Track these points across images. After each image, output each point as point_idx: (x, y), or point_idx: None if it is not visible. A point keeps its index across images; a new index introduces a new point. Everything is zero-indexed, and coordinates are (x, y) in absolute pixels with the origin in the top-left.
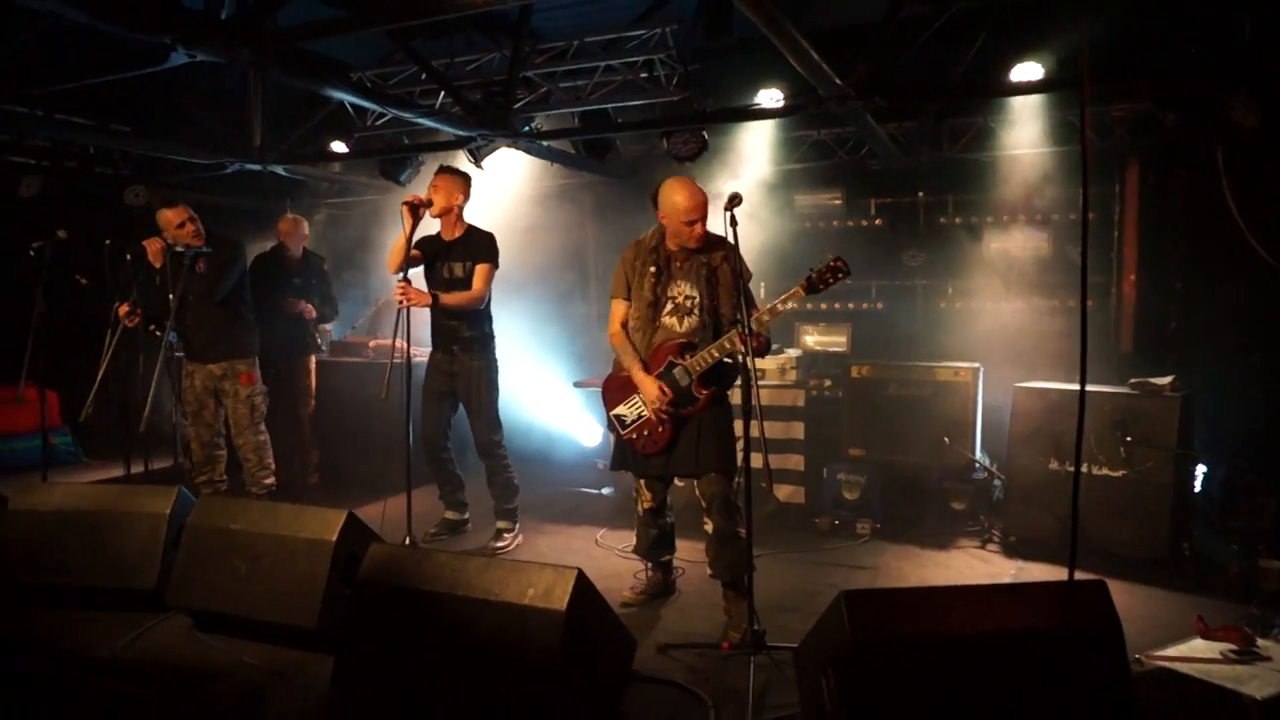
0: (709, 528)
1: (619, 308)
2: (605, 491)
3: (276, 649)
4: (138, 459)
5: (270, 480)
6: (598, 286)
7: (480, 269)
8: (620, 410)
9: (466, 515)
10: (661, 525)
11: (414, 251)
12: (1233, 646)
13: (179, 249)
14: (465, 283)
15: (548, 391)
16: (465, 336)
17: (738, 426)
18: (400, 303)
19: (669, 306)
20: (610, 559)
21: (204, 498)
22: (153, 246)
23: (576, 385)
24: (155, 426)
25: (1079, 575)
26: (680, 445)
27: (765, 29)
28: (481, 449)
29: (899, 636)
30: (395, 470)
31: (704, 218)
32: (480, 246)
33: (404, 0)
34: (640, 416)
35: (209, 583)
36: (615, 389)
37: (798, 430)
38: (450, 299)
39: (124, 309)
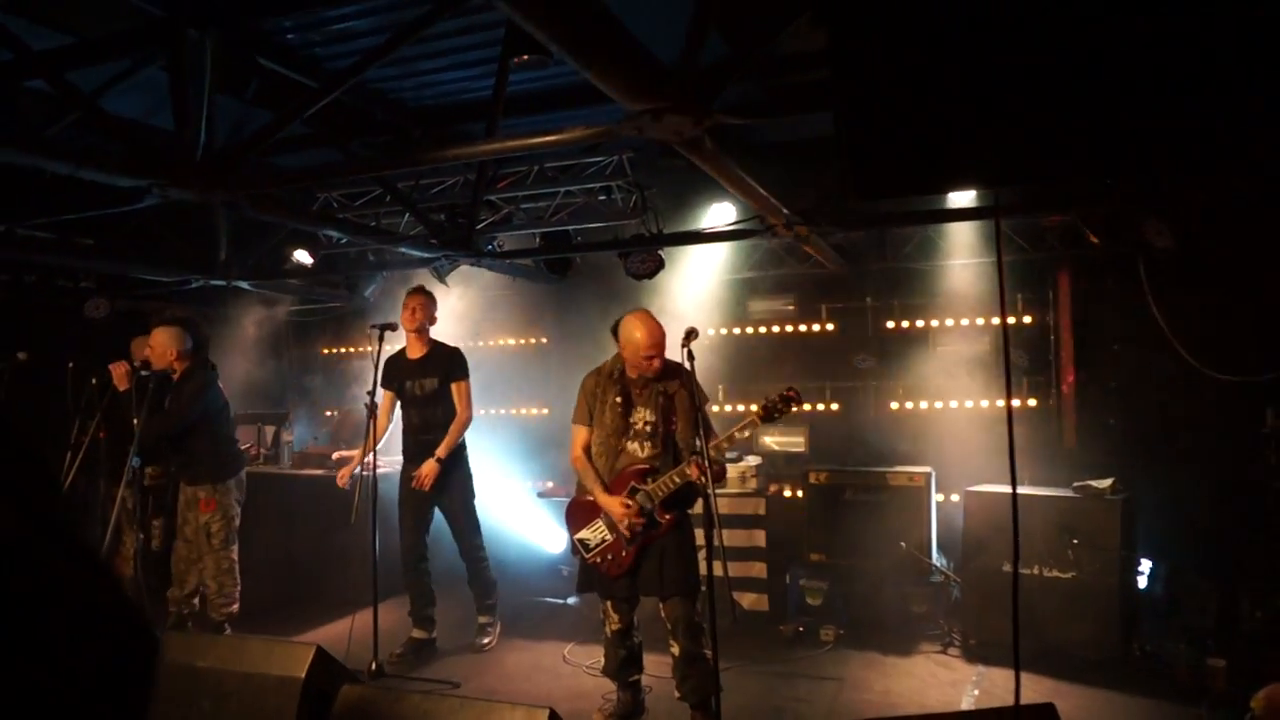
0: (675, 650)
1: (581, 433)
2: (570, 601)
3: None
4: None
5: (232, 608)
6: (557, 392)
7: (459, 387)
8: (584, 534)
9: (434, 634)
10: (629, 646)
11: (385, 397)
12: None
13: (145, 373)
14: (434, 398)
15: (510, 499)
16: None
17: (699, 537)
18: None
19: (631, 432)
20: (578, 677)
21: (168, 634)
22: (118, 370)
23: (540, 495)
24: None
25: (1035, 680)
26: (644, 567)
27: (712, 173)
28: (465, 553)
29: None
30: (353, 587)
31: (661, 352)
32: (451, 363)
33: (384, 150)
34: (604, 540)
35: None
36: (579, 513)
37: (759, 538)
38: (452, 437)
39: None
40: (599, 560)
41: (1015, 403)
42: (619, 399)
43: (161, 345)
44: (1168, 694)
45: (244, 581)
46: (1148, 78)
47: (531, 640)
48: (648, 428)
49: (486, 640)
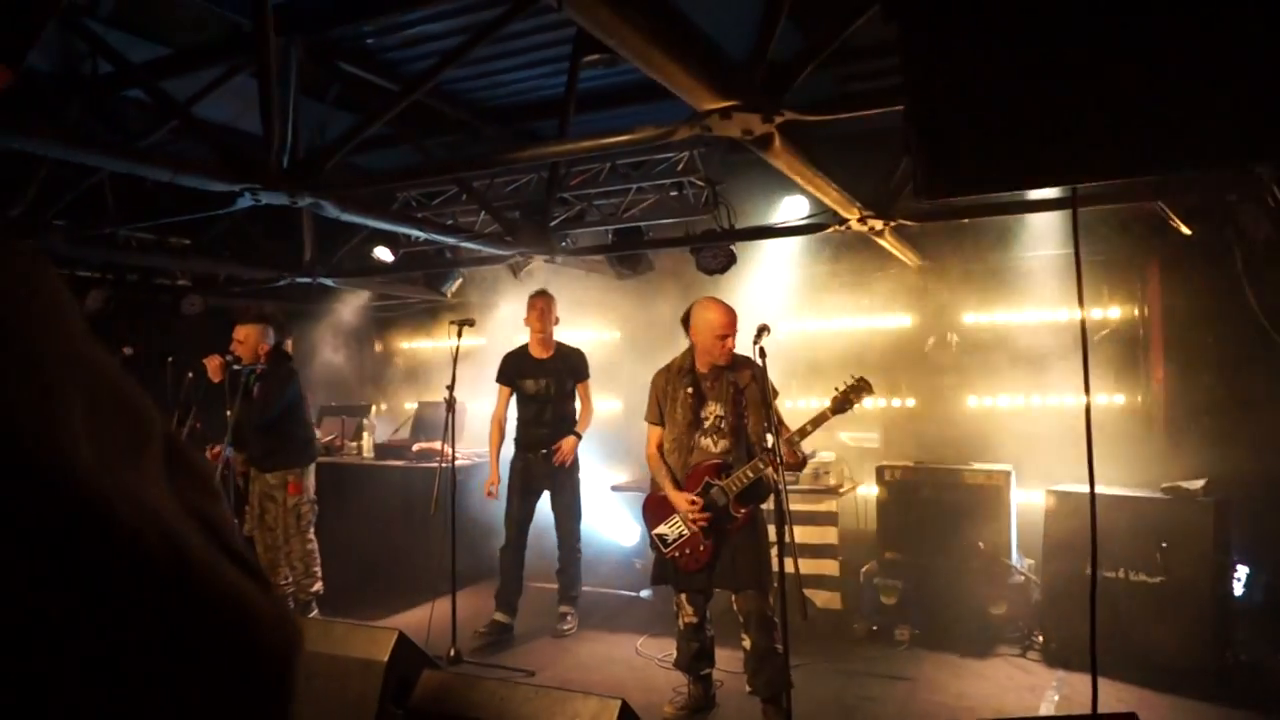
0: (746, 644)
1: (653, 432)
2: (644, 594)
3: None
4: None
5: (317, 587)
6: (631, 387)
7: (584, 386)
8: (661, 530)
9: (514, 620)
10: (702, 640)
11: (502, 393)
12: None
13: (236, 367)
14: (559, 398)
15: (585, 493)
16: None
17: (772, 533)
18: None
19: (703, 427)
20: (650, 669)
21: None
22: (211, 364)
23: (614, 489)
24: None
25: (1118, 688)
26: (720, 561)
27: (784, 169)
28: (564, 544)
29: None
30: (431, 575)
31: (735, 332)
32: (576, 365)
33: (464, 154)
34: (681, 535)
35: None
36: (655, 509)
37: (832, 535)
38: (586, 421)
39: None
40: (677, 554)
41: (1103, 399)
42: (690, 392)
43: (251, 340)
44: (1264, 705)
45: (327, 568)
46: (1229, 62)
47: (605, 632)
48: (720, 422)
49: (567, 628)
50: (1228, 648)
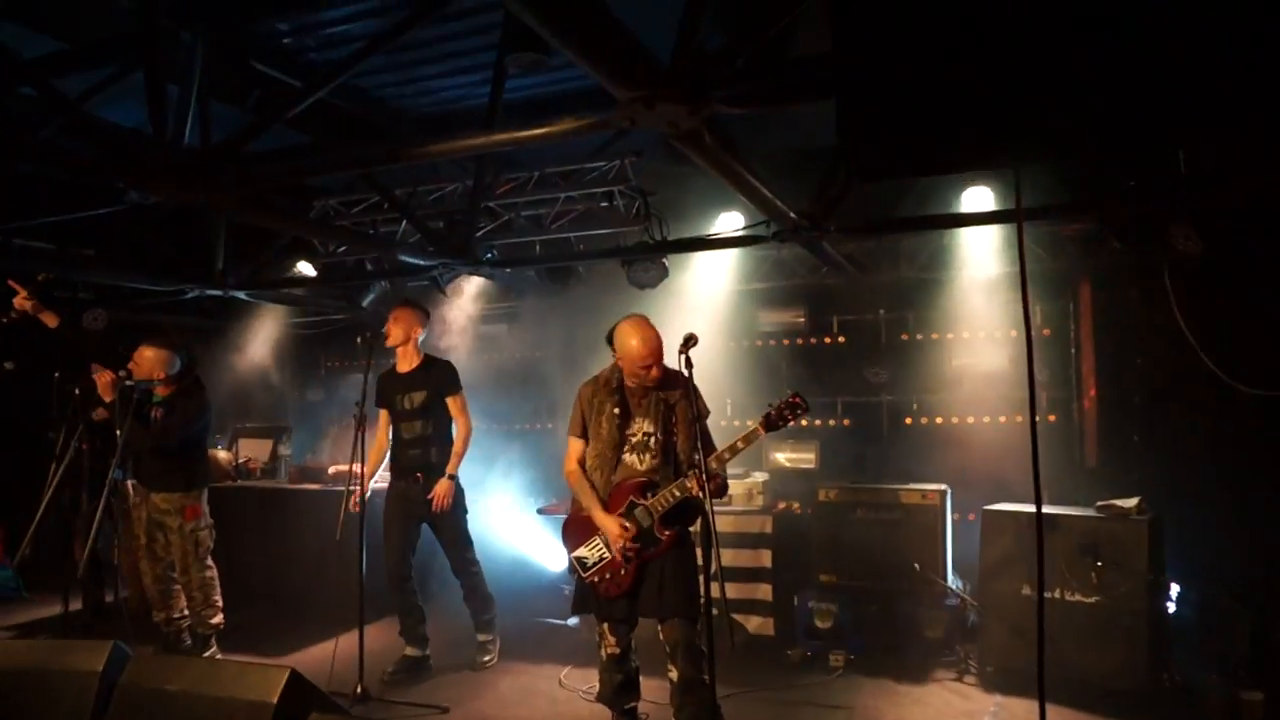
0: (673, 675)
1: (575, 445)
2: (570, 622)
3: None
4: (77, 597)
5: (217, 619)
6: (561, 406)
7: (454, 401)
8: (581, 552)
9: (428, 651)
10: (626, 670)
11: (382, 416)
12: None
13: (129, 383)
14: (423, 412)
15: (510, 516)
16: (432, 463)
17: (700, 555)
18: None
19: (629, 444)
20: (574, 703)
21: (138, 654)
22: (102, 380)
23: (540, 512)
24: (101, 562)
25: (1058, 711)
26: (644, 587)
27: (717, 174)
28: (457, 569)
29: None
30: (349, 604)
31: (659, 360)
32: (443, 378)
33: (362, 147)
34: (602, 559)
35: None
36: (575, 530)
37: (765, 558)
38: (458, 451)
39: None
40: (597, 579)
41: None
42: (616, 410)
43: (149, 363)
44: None
45: (233, 600)
46: (1173, 38)
47: (528, 663)
48: (647, 439)
49: (487, 659)
50: (1164, 669)
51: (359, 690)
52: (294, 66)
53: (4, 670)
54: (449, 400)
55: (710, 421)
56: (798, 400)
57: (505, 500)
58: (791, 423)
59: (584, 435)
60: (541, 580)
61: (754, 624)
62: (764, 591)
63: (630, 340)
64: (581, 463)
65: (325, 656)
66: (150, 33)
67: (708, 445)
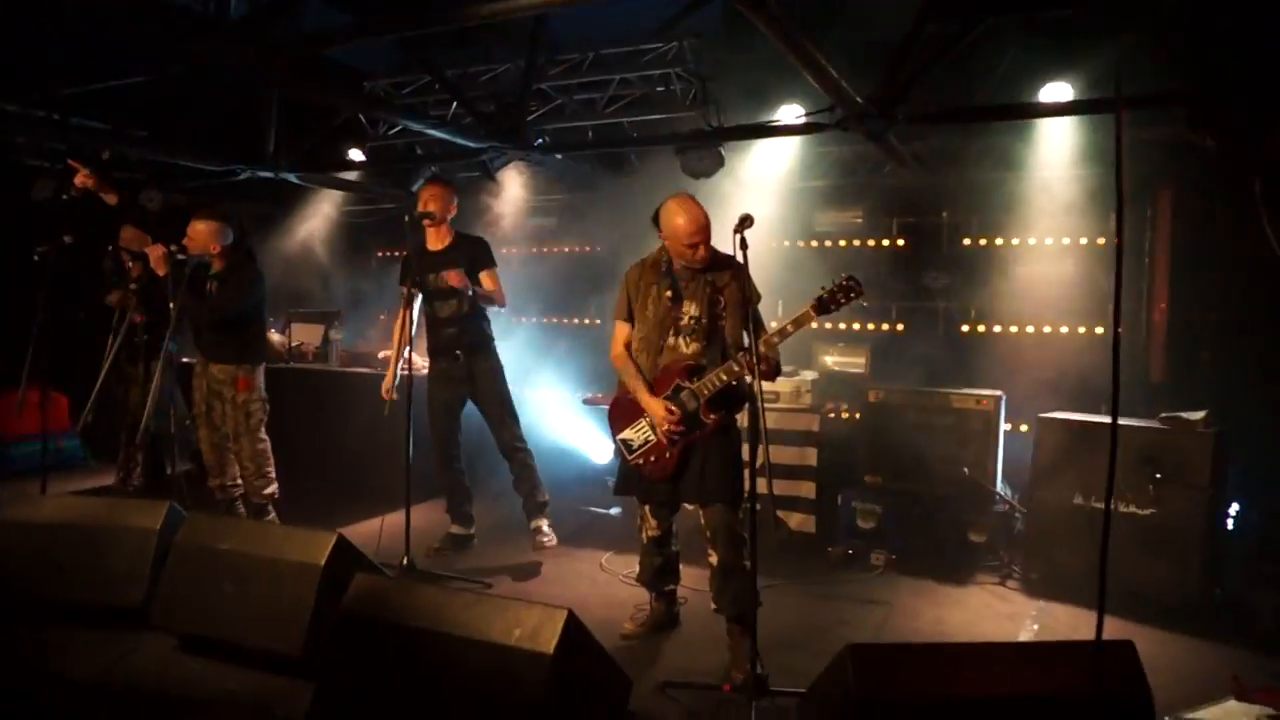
0: (713, 559)
1: (622, 329)
2: (613, 512)
3: (262, 675)
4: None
5: (270, 490)
6: (609, 299)
7: (486, 276)
8: (627, 434)
9: (473, 530)
10: (666, 554)
11: (407, 294)
12: (1271, 711)
13: (181, 257)
14: (459, 290)
15: (555, 406)
16: (470, 342)
17: (746, 452)
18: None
19: (676, 327)
20: (613, 585)
21: (193, 515)
22: (155, 253)
23: (585, 402)
24: (162, 431)
25: (1105, 619)
26: (688, 472)
27: (780, 45)
28: (506, 450)
29: (908, 697)
30: (398, 484)
31: (707, 239)
32: (476, 253)
33: (410, 8)
34: (647, 441)
35: (196, 603)
36: (621, 413)
37: (810, 456)
38: (486, 299)
39: (115, 298)
40: (642, 461)
41: (1098, 330)
42: (668, 292)
43: (202, 236)
44: (1251, 643)
45: (285, 478)
46: None
47: (571, 546)
48: (693, 323)
49: (545, 539)
50: (1215, 584)
51: (405, 562)
52: None
53: (69, 524)
54: (483, 275)
55: (759, 305)
56: (851, 282)
57: (552, 393)
58: (845, 304)
59: (630, 318)
60: (585, 470)
61: (796, 520)
62: (807, 489)
63: (676, 218)
64: (628, 346)
65: (373, 531)
66: None
67: (758, 329)
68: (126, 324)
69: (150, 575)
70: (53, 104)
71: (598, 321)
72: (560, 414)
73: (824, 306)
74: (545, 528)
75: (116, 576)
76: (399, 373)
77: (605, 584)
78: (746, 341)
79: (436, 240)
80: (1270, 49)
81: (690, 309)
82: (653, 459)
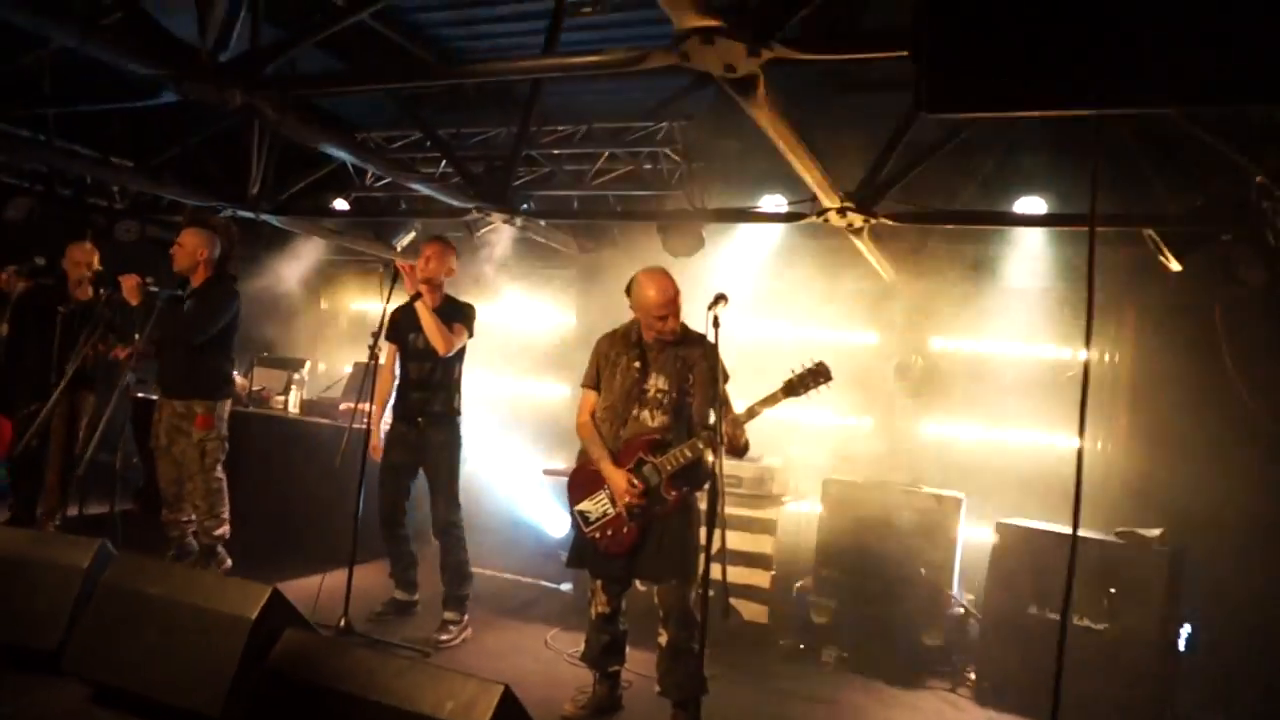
0: (663, 639)
1: (588, 397)
2: (564, 588)
3: None
4: (74, 501)
5: (221, 531)
6: (577, 370)
7: (456, 327)
8: (585, 506)
9: (416, 596)
10: (613, 632)
11: (389, 350)
12: None
13: (154, 289)
14: (433, 353)
15: (515, 476)
16: (435, 411)
17: (703, 534)
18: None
19: (643, 399)
20: (558, 664)
21: (123, 555)
22: (128, 283)
23: (545, 473)
24: (103, 467)
25: None
26: (644, 547)
27: (763, 125)
28: (438, 528)
29: None
30: (345, 541)
31: (676, 312)
32: (458, 314)
33: (404, 65)
34: (605, 514)
35: (115, 651)
36: (581, 483)
37: (767, 544)
38: (428, 326)
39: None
40: (599, 535)
41: (1062, 440)
42: (636, 364)
43: (192, 245)
44: None
45: (232, 523)
46: None
47: (516, 621)
48: (660, 396)
49: (446, 638)
50: (1166, 704)
51: (342, 623)
52: None
53: None
54: (453, 325)
55: (727, 386)
56: (821, 367)
57: (512, 460)
58: (814, 388)
59: (596, 387)
60: (541, 542)
61: (749, 611)
62: (762, 579)
63: (647, 290)
64: (593, 415)
65: (312, 588)
66: None
67: (725, 408)
68: (87, 350)
69: (70, 617)
70: (37, 123)
71: (565, 391)
72: (518, 483)
73: (792, 390)
74: (452, 626)
75: (33, 615)
76: (360, 426)
77: (549, 661)
78: (713, 419)
79: (429, 300)
80: (1235, 176)
81: (658, 382)
82: (609, 532)
